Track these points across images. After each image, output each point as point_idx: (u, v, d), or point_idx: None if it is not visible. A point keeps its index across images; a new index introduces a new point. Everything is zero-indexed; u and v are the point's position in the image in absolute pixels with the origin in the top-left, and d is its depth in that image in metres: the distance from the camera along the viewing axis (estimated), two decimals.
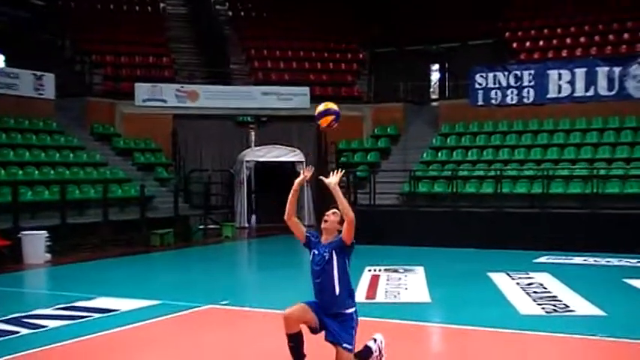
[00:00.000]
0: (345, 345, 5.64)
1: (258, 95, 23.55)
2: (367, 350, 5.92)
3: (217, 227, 20.13)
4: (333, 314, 5.77)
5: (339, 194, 5.80)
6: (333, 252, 5.74)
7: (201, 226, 19.65)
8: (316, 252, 5.90)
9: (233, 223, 20.71)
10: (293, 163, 22.42)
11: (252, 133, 23.90)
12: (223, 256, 16.70)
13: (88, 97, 21.99)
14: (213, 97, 23.07)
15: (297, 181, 6.16)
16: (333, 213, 5.86)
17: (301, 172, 6.26)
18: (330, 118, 6.13)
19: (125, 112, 22.41)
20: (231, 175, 22.87)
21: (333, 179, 5.89)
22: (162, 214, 18.63)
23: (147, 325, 8.27)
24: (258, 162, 22.45)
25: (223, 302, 9.52)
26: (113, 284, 11.44)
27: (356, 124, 23.96)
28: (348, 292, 5.84)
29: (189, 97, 22.84)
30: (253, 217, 23.01)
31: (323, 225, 5.91)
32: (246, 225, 22.08)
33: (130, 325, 8.15)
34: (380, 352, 5.93)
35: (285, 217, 6.10)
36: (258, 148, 22.92)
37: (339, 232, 5.82)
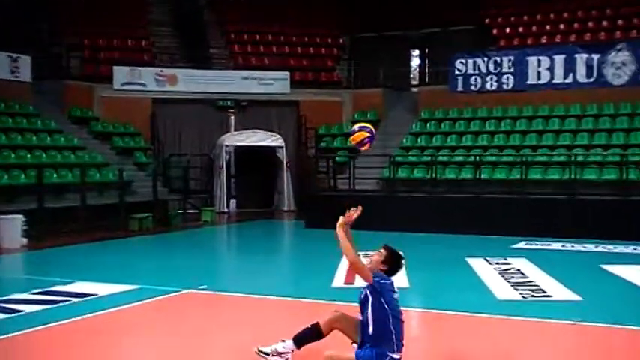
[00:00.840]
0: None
1: (238, 80, 23.43)
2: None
3: (196, 212, 20.07)
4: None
5: (342, 235, 5.57)
6: (368, 291, 5.55)
7: (181, 211, 19.56)
8: (362, 287, 5.74)
9: (212, 208, 20.64)
10: (273, 148, 22.38)
11: (232, 118, 23.78)
12: (202, 241, 16.65)
13: (65, 80, 21.76)
14: (192, 82, 22.92)
15: (343, 222, 5.73)
16: (377, 253, 5.68)
17: (350, 212, 5.86)
18: (365, 134, 5.94)
19: (103, 96, 22.21)
20: (211, 160, 22.77)
21: (340, 221, 5.69)
22: (140, 198, 18.52)
23: (125, 310, 8.22)
24: (237, 147, 22.37)
25: (202, 287, 9.49)
26: (91, 269, 11.37)
27: (336, 109, 23.96)
28: (381, 333, 5.48)
29: (169, 81, 22.68)
30: (233, 202, 22.96)
31: (368, 265, 5.69)
32: (226, 210, 22.02)
33: (108, 310, 8.10)
34: (277, 353, 5.79)
35: (352, 259, 5.45)
36: (237, 132, 22.83)
37: (385, 271, 5.60)
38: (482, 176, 17.75)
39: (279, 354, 5.81)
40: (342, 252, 5.52)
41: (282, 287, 9.98)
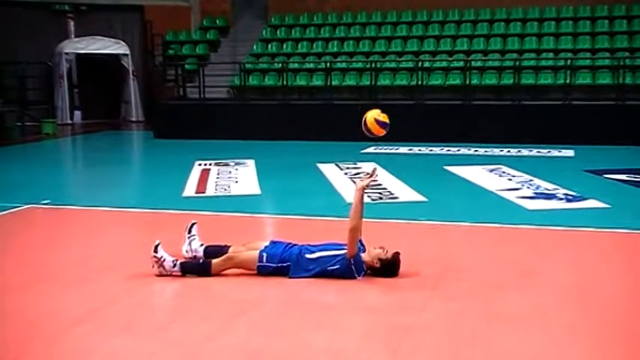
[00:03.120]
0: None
1: None
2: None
3: (36, 124, 18.90)
4: None
5: (358, 199, 5.52)
6: (341, 258, 5.56)
7: (19, 124, 18.35)
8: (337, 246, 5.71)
9: (54, 120, 19.53)
10: (117, 55, 21.33)
11: (71, 24, 22.29)
12: (44, 154, 15.75)
13: None
14: None
15: (362, 186, 5.62)
16: (384, 251, 5.58)
17: (364, 177, 5.74)
18: (383, 132, 5.78)
19: None
20: (50, 69, 21.38)
21: (360, 183, 5.60)
22: None
23: None
24: (79, 54, 21.13)
25: (44, 202, 9.00)
26: None
27: (183, 14, 23.05)
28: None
29: None
30: (77, 113, 21.84)
31: (369, 248, 5.68)
32: (69, 121, 20.95)
33: None
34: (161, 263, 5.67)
35: (353, 226, 5.48)
36: (78, 39, 21.49)
37: (372, 268, 5.59)
38: (332, 83, 17.83)
39: (162, 265, 5.63)
40: (349, 214, 5.51)
41: (130, 199, 9.67)
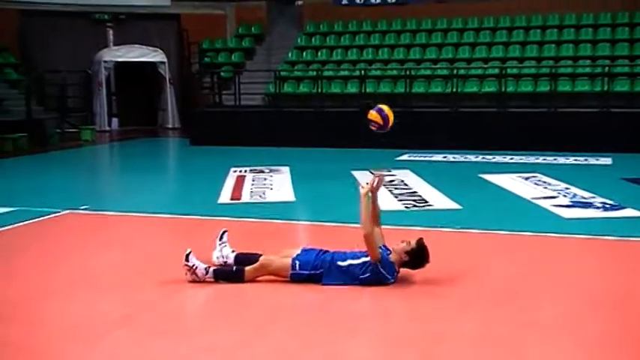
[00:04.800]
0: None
1: None
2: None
3: (76, 131, 19.24)
4: None
5: (363, 205, 5.62)
6: (366, 266, 5.59)
7: (59, 130, 18.69)
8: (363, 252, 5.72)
9: (93, 127, 19.86)
10: (154, 63, 21.62)
11: (110, 32, 22.67)
12: (82, 160, 16.05)
13: None
14: None
15: (367, 189, 5.74)
16: (407, 242, 5.61)
17: (374, 179, 5.83)
18: (379, 120, 5.85)
19: None
20: (89, 77, 21.75)
21: (362, 190, 5.68)
22: (14, 117, 17.54)
23: (0, 233, 7.83)
24: (117, 62, 21.46)
25: (83, 207, 9.16)
26: None
27: (219, 23, 23.32)
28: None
29: None
30: (115, 120, 22.18)
31: (393, 246, 5.70)
32: (107, 128, 21.27)
33: None
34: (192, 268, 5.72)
35: (366, 232, 5.54)
36: (116, 47, 21.84)
37: (402, 262, 5.61)
38: (367, 90, 17.86)
39: (195, 273, 5.70)
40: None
41: (166, 205, 9.77)
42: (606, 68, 16.99)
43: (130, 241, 7.55)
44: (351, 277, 5.60)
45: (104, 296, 5.55)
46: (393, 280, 5.60)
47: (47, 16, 21.20)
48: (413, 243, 5.61)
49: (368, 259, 5.59)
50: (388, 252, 5.70)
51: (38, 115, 18.45)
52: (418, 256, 5.60)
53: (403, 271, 5.70)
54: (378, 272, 5.56)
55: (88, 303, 5.38)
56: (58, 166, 14.80)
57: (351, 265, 5.63)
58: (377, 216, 5.83)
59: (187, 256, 5.73)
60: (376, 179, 5.80)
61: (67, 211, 8.94)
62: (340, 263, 5.66)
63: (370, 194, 5.74)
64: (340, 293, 5.49)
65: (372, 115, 5.87)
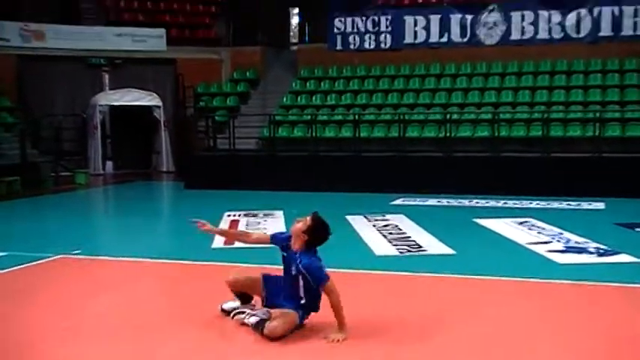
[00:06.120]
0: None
1: (110, 36, 22.47)
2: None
3: (70, 175, 19.23)
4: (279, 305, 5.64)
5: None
6: (300, 276, 5.51)
7: (53, 174, 18.69)
8: (285, 255, 5.70)
9: (87, 170, 19.88)
10: (149, 107, 21.74)
11: (106, 76, 22.85)
12: (76, 204, 16.02)
13: None
14: (61, 38, 21.76)
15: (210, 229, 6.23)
16: (298, 221, 5.58)
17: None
18: None
19: None
20: (84, 120, 21.84)
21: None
22: (8, 160, 17.54)
23: None
24: (112, 106, 21.57)
25: (76, 252, 9.12)
26: None
27: (214, 67, 23.54)
28: (314, 303, 5.63)
29: (35, 37, 21.44)
30: (109, 164, 22.21)
31: (291, 228, 5.66)
32: (101, 172, 21.29)
33: None
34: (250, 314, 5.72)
35: (245, 242, 6.24)
36: (112, 91, 21.99)
37: (306, 243, 5.55)
38: (361, 135, 17.96)
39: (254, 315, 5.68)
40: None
41: (160, 250, 9.72)
42: (597, 114, 17.15)
43: (124, 286, 7.50)
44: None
45: (95, 346, 5.48)
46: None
47: (44, 60, 21.37)
48: (308, 220, 5.52)
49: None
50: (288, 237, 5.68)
51: (33, 158, 18.46)
52: (317, 230, 5.51)
53: (391, 315, 5.64)
54: (308, 265, 5.46)
55: (77, 352, 5.31)
56: (51, 210, 14.78)
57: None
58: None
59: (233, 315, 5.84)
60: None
61: (60, 256, 8.89)
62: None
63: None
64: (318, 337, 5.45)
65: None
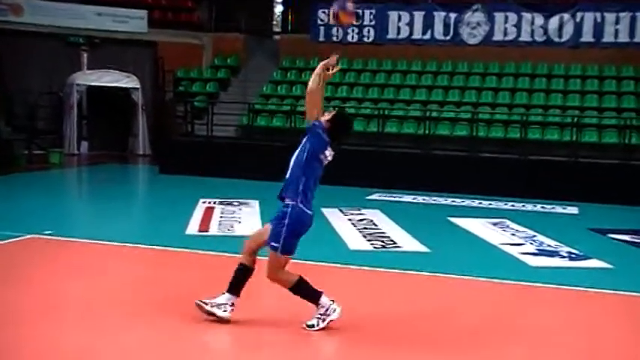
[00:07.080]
0: (270, 243, 5.59)
1: (91, 15, 22.14)
2: (314, 295, 5.66)
3: (44, 153, 18.96)
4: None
5: (318, 70, 5.66)
6: (306, 137, 5.58)
7: (26, 152, 18.41)
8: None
9: (61, 150, 19.62)
10: (128, 89, 21.49)
11: (85, 56, 22.50)
12: (49, 184, 15.78)
13: None
14: (40, 13, 21.40)
15: (324, 64, 5.79)
16: (329, 112, 5.68)
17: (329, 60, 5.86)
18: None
19: None
20: (61, 99, 21.54)
21: (321, 66, 5.69)
22: None
23: None
24: (90, 86, 21.30)
25: (47, 232, 8.99)
26: None
27: (195, 52, 23.34)
28: (296, 181, 5.66)
29: (13, 11, 21.04)
30: (84, 144, 21.93)
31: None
32: (76, 152, 21.02)
33: None
34: (325, 313, 5.55)
35: (310, 90, 5.55)
36: (90, 71, 21.67)
37: (328, 130, 5.58)
38: None
39: (218, 305, 5.58)
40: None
41: (132, 234, 9.62)
42: (575, 119, 17.28)
43: (95, 270, 7.40)
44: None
45: (66, 327, 5.41)
46: (326, 156, 5.65)
47: (21, 36, 20.99)
48: (332, 112, 5.70)
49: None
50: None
51: (6, 135, 18.18)
52: (339, 121, 5.63)
53: (361, 311, 5.63)
54: (311, 129, 5.51)
55: (49, 333, 5.24)
56: (22, 189, 14.54)
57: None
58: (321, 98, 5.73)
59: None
60: (333, 58, 5.80)
61: (31, 236, 8.77)
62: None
63: (322, 73, 5.66)
64: (299, 335, 5.42)
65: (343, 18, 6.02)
